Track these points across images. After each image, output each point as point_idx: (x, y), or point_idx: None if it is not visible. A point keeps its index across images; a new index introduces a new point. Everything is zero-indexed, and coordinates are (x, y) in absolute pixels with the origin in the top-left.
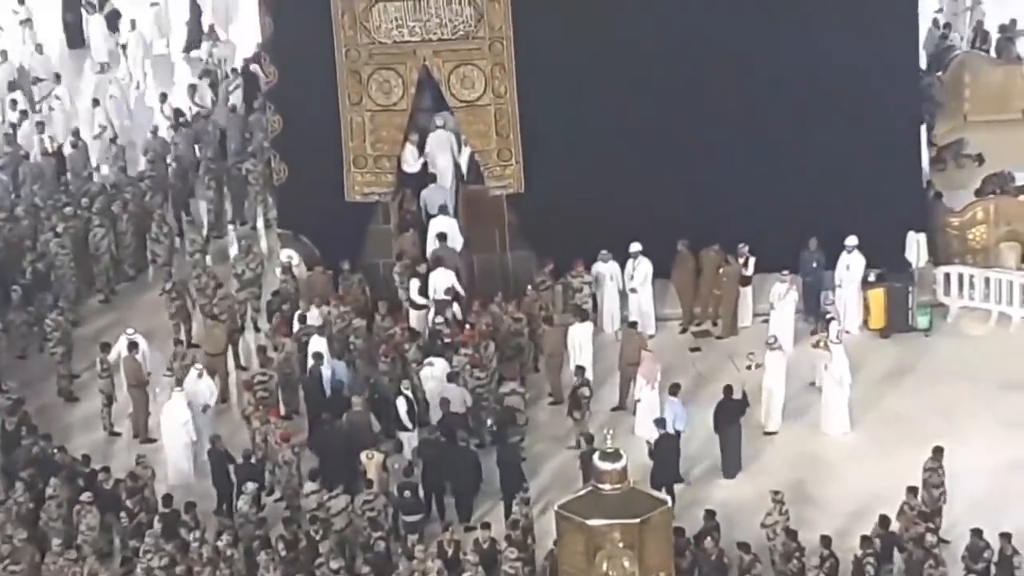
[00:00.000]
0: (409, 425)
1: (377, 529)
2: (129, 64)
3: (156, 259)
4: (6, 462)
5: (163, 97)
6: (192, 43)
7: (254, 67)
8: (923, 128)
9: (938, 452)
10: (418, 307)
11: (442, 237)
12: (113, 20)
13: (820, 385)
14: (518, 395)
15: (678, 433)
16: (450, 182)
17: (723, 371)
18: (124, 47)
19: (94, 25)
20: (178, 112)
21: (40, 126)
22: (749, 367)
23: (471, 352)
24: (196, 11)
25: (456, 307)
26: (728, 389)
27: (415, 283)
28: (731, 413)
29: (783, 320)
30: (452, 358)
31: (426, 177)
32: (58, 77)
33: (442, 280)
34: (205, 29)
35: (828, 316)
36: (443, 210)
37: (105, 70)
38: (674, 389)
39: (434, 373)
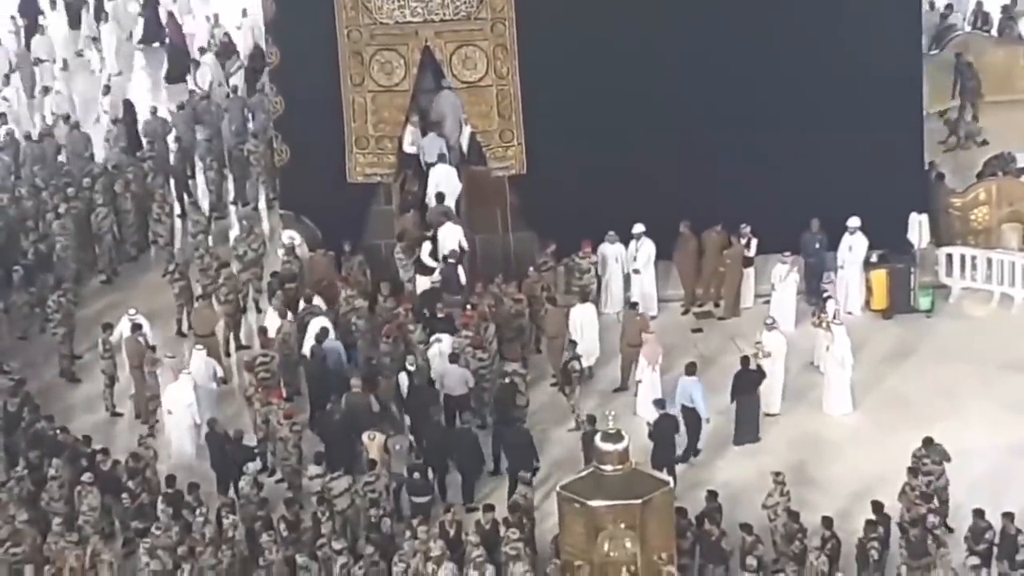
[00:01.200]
0: (404, 395)
1: (378, 510)
2: (103, 55)
3: (158, 240)
4: (8, 443)
5: (106, 90)
6: (151, 35)
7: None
8: (927, 109)
9: (928, 443)
10: (427, 271)
11: (440, 198)
12: (98, 12)
13: (820, 365)
14: (520, 376)
15: (689, 411)
16: (455, 139)
17: (725, 352)
18: (95, 39)
19: (53, 19)
20: (129, 104)
21: (2, 116)
22: (756, 355)
23: (472, 334)
24: (153, 2)
25: (461, 271)
26: (745, 360)
27: (427, 245)
28: (748, 383)
29: (785, 301)
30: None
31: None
32: (9, 77)
33: (451, 235)
34: (164, 20)
35: (825, 295)
36: (442, 159)
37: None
38: (691, 368)
39: (442, 349)
